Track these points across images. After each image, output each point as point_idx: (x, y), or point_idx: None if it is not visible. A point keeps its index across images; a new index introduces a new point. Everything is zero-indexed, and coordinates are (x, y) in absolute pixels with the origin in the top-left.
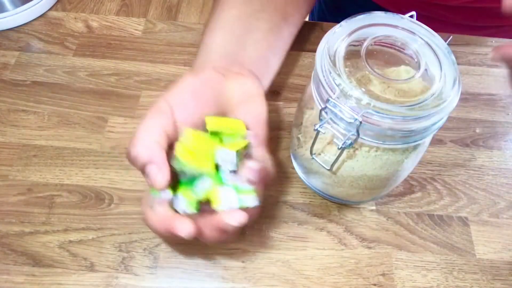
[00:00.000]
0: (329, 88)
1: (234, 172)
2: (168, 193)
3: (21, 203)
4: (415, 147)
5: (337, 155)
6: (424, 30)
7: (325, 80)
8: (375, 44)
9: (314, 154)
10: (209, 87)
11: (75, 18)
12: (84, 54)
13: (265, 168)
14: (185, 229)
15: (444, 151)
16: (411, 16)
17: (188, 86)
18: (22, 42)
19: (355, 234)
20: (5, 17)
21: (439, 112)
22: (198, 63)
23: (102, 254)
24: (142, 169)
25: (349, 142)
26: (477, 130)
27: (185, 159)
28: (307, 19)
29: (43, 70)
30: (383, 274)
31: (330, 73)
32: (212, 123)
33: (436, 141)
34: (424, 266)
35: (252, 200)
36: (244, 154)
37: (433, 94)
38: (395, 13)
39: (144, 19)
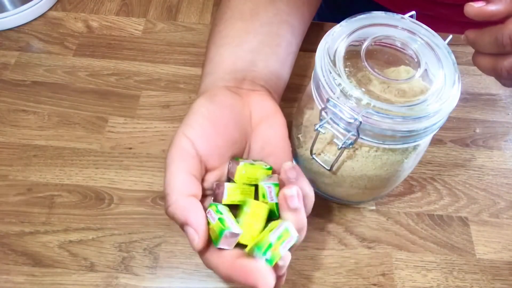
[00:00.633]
0: (329, 88)
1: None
2: (238, 229)
3: (21, 203)
4: (415, 147)
5: (337, 155)
6: (424, 30)
7: (325, 80)
8: (375, 44)
9: (314, 154)
10: (227, 111)
11: (75, 18)
12: (84, 54)
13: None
14: (269, 281)
15: (444, 151)
16: (411, 16)
17: (205, 114)
18: (22, 42)
19: (355, 234)
20: (5, 17)
21: (439, 112)
22: (207, 83)
23: (102, 254)
24: (182, 228)
25: (349, 142)
26: (477, 130)
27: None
28: None
29: (43, 70)
30: (383, 274)
31: (330, 73)
32: (242, 175)
33: (436, 141)
34: (424, 266)
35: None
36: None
37: (433, 94)
38: (395, 13)
39: (144, 19)
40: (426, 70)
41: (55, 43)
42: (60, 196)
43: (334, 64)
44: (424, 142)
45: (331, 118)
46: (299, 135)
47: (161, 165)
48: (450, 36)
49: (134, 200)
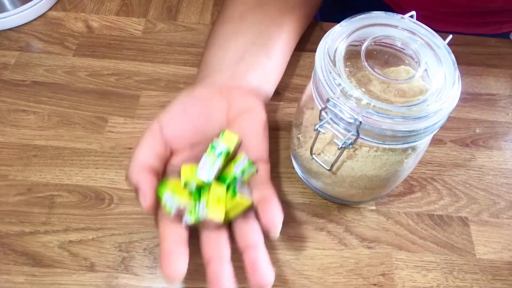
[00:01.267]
0: (329, 88)
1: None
2: (187, 217)
3: (21, 203)
4: (415, 147)
5: (337, 155)
6: (424, 30)
7: (325, 80)
8: (375, 44)
9: (314, 154)
10: (201, 102)
11: (75, 18)
12: (84, 54)
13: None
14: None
15: (444, 151)
16: (411, 16)
17: (179, 104)
18: (22, 42)
19: (355, 234)
20: (5, 17)
21: (439, 112)
22: (197, 81)
23: (102, 254)
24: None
25: (349, 142)
26: (477, 130)
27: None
28: None
29: (43, 70)
30: (383, 274)
31: (330, 73)
32: (187, 173)
33: (436, 141)
34: (424, 266)
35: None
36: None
37: (433, 94)
38: (395, 13)
39: (144, 19)
40: (426, 70)
41: (55, 43)
42: (60, 196)
43: (334, 64)
44: (424, 142)
45: (331, 118)
46: (299, 135)
47: None
48: (450, 36)
49: (134, 200)
